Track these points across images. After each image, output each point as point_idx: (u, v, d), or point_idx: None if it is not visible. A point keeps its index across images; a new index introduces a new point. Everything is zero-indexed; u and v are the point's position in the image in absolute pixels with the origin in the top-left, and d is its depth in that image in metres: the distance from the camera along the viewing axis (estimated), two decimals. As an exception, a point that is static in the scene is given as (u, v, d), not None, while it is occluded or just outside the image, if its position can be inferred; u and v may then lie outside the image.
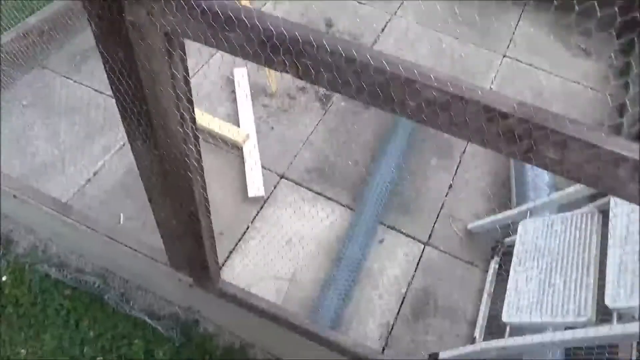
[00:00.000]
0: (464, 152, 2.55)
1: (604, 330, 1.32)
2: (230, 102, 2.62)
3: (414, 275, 2.12)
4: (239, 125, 2.47)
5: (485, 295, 2.05)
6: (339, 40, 0.70)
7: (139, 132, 1.05)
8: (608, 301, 1.37)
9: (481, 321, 1.98)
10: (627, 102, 2.70)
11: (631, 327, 1.26)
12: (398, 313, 2.02)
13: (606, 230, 1.54)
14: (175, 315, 1.95)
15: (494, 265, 2.13)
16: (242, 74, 2.69)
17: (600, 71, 2.97)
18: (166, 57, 0.81)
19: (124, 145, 2.36)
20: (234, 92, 2.65)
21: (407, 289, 2.08)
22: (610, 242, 1.48)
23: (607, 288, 1.40)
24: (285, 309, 1.61)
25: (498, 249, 2.15)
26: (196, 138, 1.00)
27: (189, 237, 1.33)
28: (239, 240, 2.15)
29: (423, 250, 2.20)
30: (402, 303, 2.05)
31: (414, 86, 0.66)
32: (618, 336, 1.29)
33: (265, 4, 3.14)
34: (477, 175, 2.47)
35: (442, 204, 2.35)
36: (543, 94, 2.81)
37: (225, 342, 1.90)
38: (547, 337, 1.47)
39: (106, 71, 0.96)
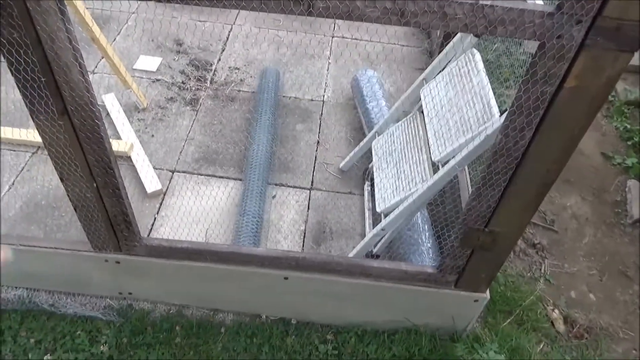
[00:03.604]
0: (321, 114, 3.03)
1: (436, 177, 1.81)
2: (107, 124, 2.83)
3: (307, 215, 2.51)
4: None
5: (366, 211, 2.51)
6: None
7: (43, 103, 1.30)
8: (433, 158, 1.87)
9: (368, 229, 2.42)
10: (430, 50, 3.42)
11: (447, 167, 1.76)
12: (303, 245, 2.39)
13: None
14: (109, 306, 2.11)
15: (366, 187, 2.61)
16: (111, 98, 2.92)
17: (408, 31, 3.68)
18: (60, 16, 1.11)
19: (14, 181, 2.47)
20: (108, 115, 2.87)
21: (305, 226, 2.46)
22: (426, 120, 2.01)
23: (431, 150, 1.91)
24: (209, 243, 1.89)
25: (367, 173, 2.63)
26: (91, 86, 1.29)
27: (109, 196, 1.57)
28: (149, 232, 2.37)
29: (310, 195, 2.60)
30: (304, 237, 2.42)
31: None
32: (444, 176, 1.79)
33: (120, 31, 3.41)
34: (337, 129, 2.96)
35: (315, 157, 2.79)
36: (370, 58, 3.42)
37: (162, 312, 2.11)
38: (406, 202, 1.93)
39: (3, 54, 1.21)
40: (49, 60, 1.22)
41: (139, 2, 3.45)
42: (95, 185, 1.57)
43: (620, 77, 3.56)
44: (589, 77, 1.15)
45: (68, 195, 1.65)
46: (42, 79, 1.25)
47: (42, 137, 1.45)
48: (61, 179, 1.59)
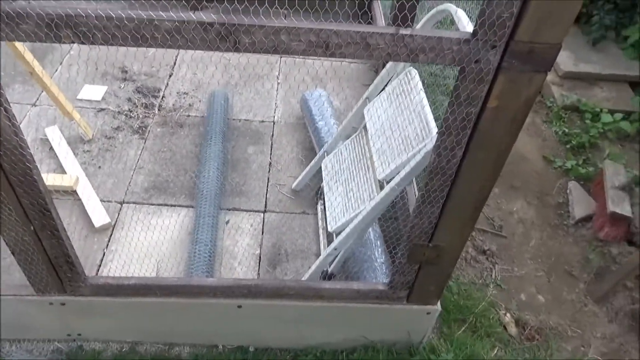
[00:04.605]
0: (272, 135, 3.04)
1: (378, 198, 1.85)
2: (50, 158, 2.75)
3: (262, 238, 2.50)
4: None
5: (320, 231, 2.53)
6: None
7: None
8: (377, 176, 1.91)
9: (323, 249, 2.44)
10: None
11: (389, 186, 1.80)
12: (259, 269, 2.38)
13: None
14: (58, 350, 2.04)
15: (319, 207, 2.63)
16: (54, 131, 2.85)
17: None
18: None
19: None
20: (52, 149, 2.79)
21: (260, 250, 2.45)
22: (370, 140, 2.05)
23: (376, 169, 1.95)
24: (158, 277, 1.85)
25: (319, 193, 2.65)
26: (19, 129, 1.26)
27: (48, 238, 1.52)
28: (99, 268, 2.31)
29: (264, 217, 2.60)
30: (259, 261, 2.41)
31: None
32: (389, 194, 1.82)
33: (62, 61, 3.32)
34: (289, 149, 2.97)
35: (268, 179, 2.79)
36: (319, 76, 3.47)
37: (114, 351, 2.05)
38: (355, 221, 1.96)
39: None
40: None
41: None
42: (32, 228, 1.52)
43: (557, 83, 3.68)
44: (507, 97, 1.21)
45: (4, 240, 1.59)
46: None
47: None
48: (-4, 224, 1.53)
